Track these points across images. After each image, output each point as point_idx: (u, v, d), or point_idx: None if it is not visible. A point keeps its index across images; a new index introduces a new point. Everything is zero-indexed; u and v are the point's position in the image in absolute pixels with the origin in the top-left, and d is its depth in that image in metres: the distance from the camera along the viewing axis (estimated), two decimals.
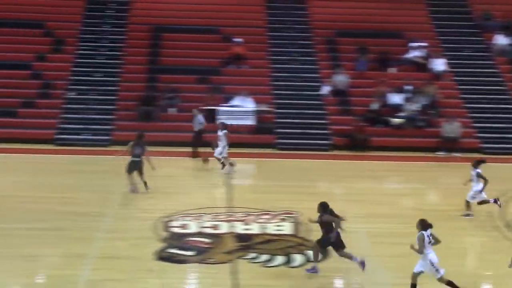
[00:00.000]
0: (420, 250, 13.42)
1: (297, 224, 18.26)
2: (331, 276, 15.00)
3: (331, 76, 29.71)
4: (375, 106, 28.55)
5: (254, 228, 17.97)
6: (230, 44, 30.58)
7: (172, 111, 27.75)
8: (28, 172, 22.53)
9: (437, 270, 13.45)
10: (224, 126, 23.24)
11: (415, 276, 13.64)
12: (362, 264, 14.55)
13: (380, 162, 25.87)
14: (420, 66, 30.77)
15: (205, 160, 23.99)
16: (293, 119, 28.24)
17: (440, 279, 13.54)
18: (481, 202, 19.08)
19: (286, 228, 18.05)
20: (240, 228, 17.92)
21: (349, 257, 14.61)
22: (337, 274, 14.94)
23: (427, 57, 30.85)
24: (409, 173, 24.54)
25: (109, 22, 31.92)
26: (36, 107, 27.90)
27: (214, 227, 17.98)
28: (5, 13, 31.53)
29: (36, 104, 27.95)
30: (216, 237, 17.22)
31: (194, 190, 21.34)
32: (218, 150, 23.11)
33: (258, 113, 27.77)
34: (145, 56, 30.48)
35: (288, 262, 15.78)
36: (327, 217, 14.47)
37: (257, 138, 27.25)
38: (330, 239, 14.43)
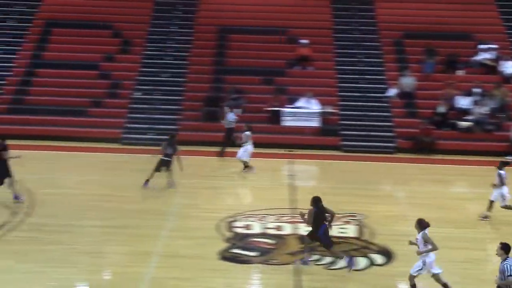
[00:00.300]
0: (434, 248, 13.36)
1: (361, 226, 18.12)
2: (395, 279, 14.83)
3: (398, 78, 29.37)
4: (442, 109, 28.10)
5: None
6: (296, 45, 30.53)
7: (236, 112, 27.84)
8: (97, 170, 22.92)
9: (432, 268, 13.55)
10: (249, 128, 23.13)
11: (412, 277, 13.63)
12: (350, 262, 14.92)
13: (446, 166, 25.47)
14: (490, 69, 30.14)
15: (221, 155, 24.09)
16: (358, 121, 28.03)
17: (434, 276, 13.66)
18: (505, 207, 18.76)
19: (350, 230, 17.93)
20: (303, 230, 17.85)
21: (336, 255, 14.92)
22: (402, 278, 14.74)
23: (497, 59, 30.20)
24: (475, 177, 24.05)
25: (176, 23, 32.24)
26: (104, 106, 28.38)
27: (278, 228, 17.97)
28: (75, 14, 32.18)
29: (104, 104, 28.44)
30: (280, 238, 17.21)
31: (258, 191, 21.37)
32: (240, 152, 22.99)
33: (322, 114, 27.65)
34: (211, 57, 30.69)
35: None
36: (317, 212, 14.89)
37: (321, 140, 27.14)
38: (318, 233, 14.86)
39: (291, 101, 28.06)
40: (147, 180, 20.70)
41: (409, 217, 15.29)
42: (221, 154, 24.94)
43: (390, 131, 27.76)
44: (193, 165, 24.12)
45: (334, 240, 16.08)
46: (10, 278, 14.07)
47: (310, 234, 15.33)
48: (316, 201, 15.12)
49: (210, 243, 16.81)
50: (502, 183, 18.67)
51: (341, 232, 17.71)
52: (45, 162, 24.04)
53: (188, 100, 28.66)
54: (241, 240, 17.08)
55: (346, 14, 32.84)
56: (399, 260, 14.84)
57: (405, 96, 29.05)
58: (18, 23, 31.89)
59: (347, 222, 18.41)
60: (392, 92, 29.03)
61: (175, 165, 20.80)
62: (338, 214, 18.84)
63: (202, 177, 22.51)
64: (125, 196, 20.28)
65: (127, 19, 32.12)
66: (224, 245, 16.71)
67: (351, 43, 31.43)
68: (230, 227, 17.91)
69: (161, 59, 30.29)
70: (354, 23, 32.38)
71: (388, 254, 15.85)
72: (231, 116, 25.39)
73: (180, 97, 28.87)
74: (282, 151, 26.09)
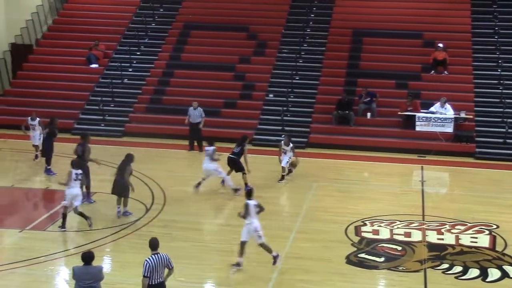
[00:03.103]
0: (245, 217, 14.98)
1: (494, 237, 17.52)
2: None
3: None
4: None
5: (447, 238, 17.48)
6: (432, 49, 29.90)
7: (369, 115, 27.61)
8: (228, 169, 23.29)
9: (259, 236, 15.02)
10: (290, 140, 22.17)
11: (243, 245, 14.97)
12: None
13: None
14: None
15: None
16: (495, 128, 27.10)
17: (262, 245, 15.11)
18: None
19: (482, 240, 17.37)
20: (433, 237, 17.50)
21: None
22: None
23: None
24: None
25: (310, 26, 32.35)
26: (238, 107, 28.87)
27: (406, 234, 17.69)
28: (212, 17, 32.94)
29: (238, 105, 28.92)
30: (408, 245, 16.94)
31: (387, 196, 21.11)
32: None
33: (457, 120, 26.94)
34: (345, 60, 30.56)
35: (483, 276, 15.19)
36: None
37: (455, 146, 26.43)
38: None
39: (426, 106, 27.49)
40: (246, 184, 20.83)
41: None
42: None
43: None
44: (323, 167, 24.19)
45: (466, 249, 15.62)
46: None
47: None
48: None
49: (337, 246, 16.78)
50: None
51: (473, 242, 17.20)
52: (176, 160, 24.74)
53: (320, 103, 28.68)
54: (368, 245, 16.93)
55: (486, 17, 31.83)
56: None
57: None
58: (160, 25, 33.02)
59: (479, 232, 17.86)
60: None
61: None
62: (470, 222, 18.36)
63: (332, 180, 22.47)
64: (256, 196, 20.46)
65: (262, 22, 32.53)
66: (351, 249, 16.62)
67: (491, 47, 30.42)
68: (358, 232, 17.80)
69: (295, 61, 30.46)
70: (495, 27, 31.33)
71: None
72: None
73: (312, 100, 28.93)
74: (414, 156, 25.63)
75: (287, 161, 21.82)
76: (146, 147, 25.90)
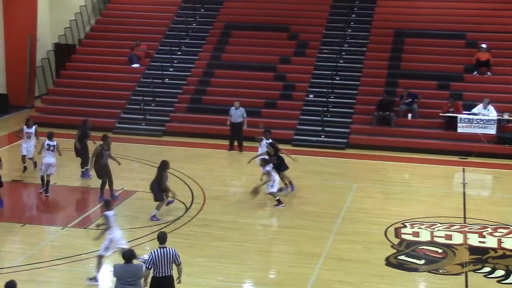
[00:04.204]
0: (108, 228, 14.42)
1: None
2: None
3: None
4: None
5: (489, 241, 17.26)
6: (475, 50, 29.54)
7: (410, 116, 27.38)
8: None
9: (107, 248, 14.35)
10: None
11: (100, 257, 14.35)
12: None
13: None
14: None
15: None
16: None
17: (99, 258, 14.38)
18: None
19: None
20: (474, 240, 17.30)
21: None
22: None
23: None
24: None
25: (351, 26, 32.21)
26: (278, 108, 28.85)
27: (447, 237, 17.51)
28: (253, 17, 32.98)
29: (278, 105, 28.91)
30: (449, 248, 16.77)
31: (428, 198, 20.90)
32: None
33: (500, 122, 26.57)
34: (386, 61, 30.34)
35: None
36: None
37: (498, 149, 26.07)
38: None
39: (468, 107, 27.17)
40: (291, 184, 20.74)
41: None
42: None
43: None
44: (363, 169, 24.08)
45: (508, 253, 15.39)
46: (188, 270, 14.70)
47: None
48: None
49: (377, 248, 16.69)
50: None
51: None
52: (216, 159, 24.81)
53: (361, 104, 28.53)
54: (408, 247, 16.80)
55: None
56: None
57: None
58: (201, 25, 33.18)
59: None
60: None
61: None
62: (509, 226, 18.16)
63: (372, 182, 22.34)
64: (296, 197, 20.50)
65: (303, 22, 32.48)
66: (391, 251, 16.52)
67: None
68: (398, 234, 17.67)
69: (336, 62, 30.35)
70: None
71: None
72: None
73: (352, 100, 28.79)
74: (456, 158, 25.35)
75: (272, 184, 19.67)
76: (186, 147, 26.05)
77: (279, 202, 19.51)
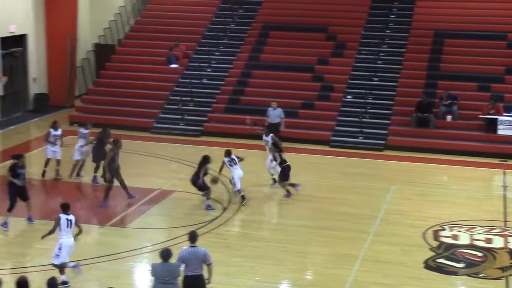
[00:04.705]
0: (53, 231, 14.36)
1: None
2: None
3: None
4: None
5: None
6: None
7: (449, 118, 27.11)
8: (304, 171, 23.23)
9: (57, 256, 14.13)
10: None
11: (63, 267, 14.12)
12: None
13: None
14: None
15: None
16: None
17: (58, 265, 14.16)
18: None
19: None
20: None
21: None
22: None
23: None
24: None
25: (390, 27, 32.01)
26: (315, 108, 28.78)
27: (487, 240, 17.30)
28: (291, 18, 32.92)
29: (315, 106, 28.84)
30: (489, 251, 16.57)
31: (467, 200, 20.68)
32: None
33: None
34: (425, 62, 30.08)
35: None
36: None
37: None
38: None
39: (509, 109, 26.83)
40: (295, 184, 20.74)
41: None
42: None
43: None
44: (401, 170, 23.91)
45: None
46: (225, 270, 14.74)
47: None
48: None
49: (414, 250, 16.56)
50: None
51: None
52: (253, 160, 24.78)
53: (399, 105, 28.33)
54: (447, 250, 16.64)
55: None
56: None
57: None
58: (239, 26, 33.26)
59: None
60: None
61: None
62: None
63: (411, 183, 22.18)
64: (333, 198, 20.45)
65: (341, 23, 32.36)
66: (429, 254, 16.38)
67: None
68: (437, 236, 17.51)
69: (374, 63, 30.19)
70: None
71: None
72: None
73: (391, 102, 28.60)
74: (496, 160, 25.04)
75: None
76: (224, 147, 26.02)
77: (243, 198, 19.66)
